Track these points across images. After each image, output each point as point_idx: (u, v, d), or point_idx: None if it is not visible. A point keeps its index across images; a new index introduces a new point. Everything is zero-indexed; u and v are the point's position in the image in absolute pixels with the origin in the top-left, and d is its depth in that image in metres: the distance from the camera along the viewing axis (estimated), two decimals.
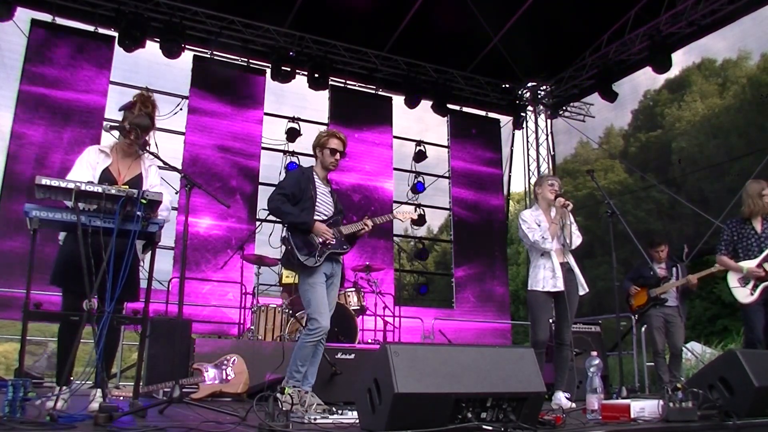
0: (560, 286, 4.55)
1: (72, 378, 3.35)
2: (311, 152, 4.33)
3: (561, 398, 4.42)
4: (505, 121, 11.77)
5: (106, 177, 3.58)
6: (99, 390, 3.31)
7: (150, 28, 8.72)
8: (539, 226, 4.69)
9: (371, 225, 4.15)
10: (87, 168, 3.59)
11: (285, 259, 4.13)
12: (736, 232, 5.25)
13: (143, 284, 3.62)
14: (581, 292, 4.69)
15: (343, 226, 4.14)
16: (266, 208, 4.20)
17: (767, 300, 5.02)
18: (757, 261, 5.05)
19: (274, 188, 4.20)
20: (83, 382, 3.22)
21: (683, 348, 7.79)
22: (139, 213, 3.22)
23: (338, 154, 4.17)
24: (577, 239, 4.70)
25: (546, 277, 4.60)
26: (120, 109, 3.74)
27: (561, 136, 11.81)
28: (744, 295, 5.06)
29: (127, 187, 3.40)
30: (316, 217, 4.04)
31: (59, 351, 3.60)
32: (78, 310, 3.43)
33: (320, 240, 3.98)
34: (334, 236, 4.03)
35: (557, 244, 4.66)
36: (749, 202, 5.19)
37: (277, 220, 4.30)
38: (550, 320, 4.96)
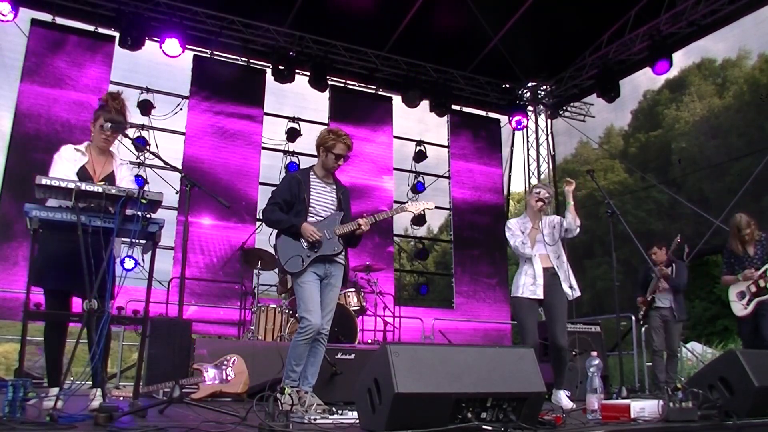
0: (539, 294, 4.55)
1: (71, 378, 3.35)
2: (311, 152, 4.31)
3: (561, 397, 4.41)
4: (506, 121, 11.77)
5: (83, 174, 3.62)
6: (99, 390, 3.31)
7: (150, 28, 8.73)
8: (523, 233, 4.71)
9: (365, 223, 4.05)
10: (69, 163, 3.62)
11: (277, 263, 4.17)
12: (733, 256, 5.74)
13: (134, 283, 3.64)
14: (570, 295, 4.59)
15: (338, 226, 4.07)
16: (261, 216, 4.20)
17: (758, 311, 5.44)
18: (757, 273, 5.44)
19: (270, 195, 4.17)
20: (82, 382, 3.22)
21: (683, 348, 7.81)
22: (138, 212, 3.24)
23: (342, 159, 4.15)
24: (572, 224, 4.61)
25: (526, 284, 4.60)
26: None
27: (561, 137, 11.81)
28: (739, 308, 5.53)
29: (104, 183, 3.48)
30: (310, 219, 4.02)
31: (47, 352, 3.59)
32: (62, 309, 3.46)
33: (306, 244, 3.96)
34: (324, 237, 3.98)
35: (542, 250, 4.65)
36: (732, 240, 5.69)
37: None
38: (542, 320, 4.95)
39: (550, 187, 4.96)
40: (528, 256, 4.64)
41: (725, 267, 5.80)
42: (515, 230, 4.73)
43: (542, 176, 11.70)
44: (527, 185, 12.00)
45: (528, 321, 4.61)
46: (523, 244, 4.63)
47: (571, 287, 4.62)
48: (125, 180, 3.79)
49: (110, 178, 3.73)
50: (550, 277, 4.61)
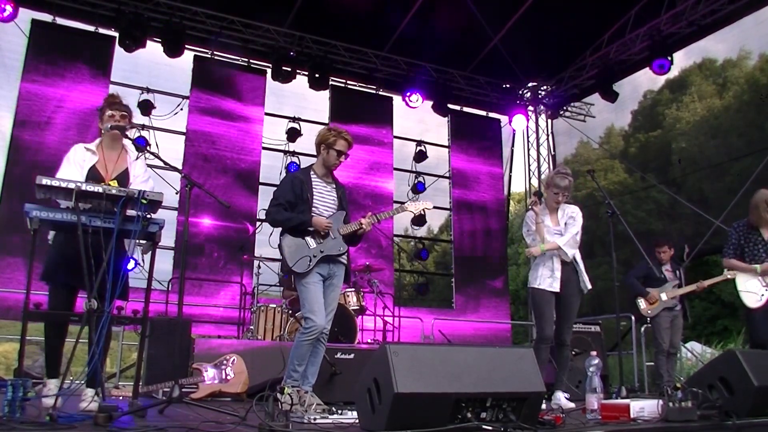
0: (556, 287, 4.51)
1: (71, 378, 3.35)
2: (312, 152, 4.28)
3: (561, 398, 4.41)
4: (506, 121, 11.77)
5: (94, 175, 3.60)
6: (90, 390, 3.31)
7: (150, 28, 8.73)
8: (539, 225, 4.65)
9: (367, 223, 4.05)
10: (75, 166, 3.61)
11: (282, 264, 4.14)
12: (743, 237, 5.20)
13: (134, 283, 3.64)
14: (585, 289, 4.61)
15: (342, 226, 4.07)
16: (265, 218, 4.16)
17: None
18: None
19: (271, 197, 4.13)
20: (82, 382, 3.22)
21: (683, 348, 7.78)
22: (139, 213, 3.24)
23: (343, 156, 4.14)
24: (569, 249, 4.56)
25: (544, 275, 4.55)
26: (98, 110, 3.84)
27: (561, 137, 11.81)
28: (754, 300, 5.02)
29: (116, 183, 3.49)
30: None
31: (47, 344, 3.59)
32: (68, 305, 3.47)
33: (313, 242, 3.96)
34: (329, 236, 3.99)
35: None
36: (755, 213, 5.13)
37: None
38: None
39: (568, 175, 4.72)
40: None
41: (731, 248, 5.20)
42: (530, 225, 4.70)
43: (543, 176, 11.69)
44: (527, 185, 12.00)
45: (546, 311, 4.56)
46: (534, 242, 4.62)
47: (582, 282, 4.62)
48: (139, 178, 3.74)
49: (124, 176, 3.70)
50: (570, 272, 4.58)
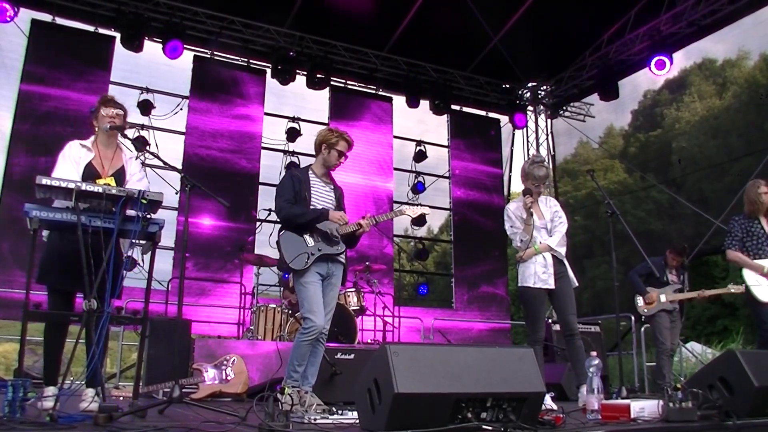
0: (551, 283, 4.43)
1: (71, 378, 3.35)
2: (312, 152, 4.27)
3: (585, 392, 4.29)
4: (506, 120, 11.77)
5: (90, 171, 3.60)
6: (91, 390, 3.31)
7: (150, 28, 8.73)
8: (523, 220, 4.54)
9: (366, 224, 4.05)
10: (71, 163, 3.61)
11: (279, 262, 4.14)
12: (744, 229, 5.08)
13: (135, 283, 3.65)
14: (574, 283, 4.55)
15: (341, 226, 4.07)
16: (274, 213, 4.12)
17: None
18: None
19: (276, 194, 4.12)
20: (82, 382, 3.22)
21: (683, 348, 7.80)
22: (139, 213, 3.24)
23: (344, 157, 4.15)
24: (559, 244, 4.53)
25: (537, 273, 4.45)
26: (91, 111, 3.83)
27: (561, 137, 11.81)
28: (766, 293, 4.85)
29: (113, 180, 3.51)
30: None
31: (46, 350, 3.59)
32: (65, 310, 3.47)
33: (312, 243, 3.95)
34: (331, 234, 4.00)
35: (545, 236, 4.51)
36: (748, 200, 5.08)
37: (277, 220, 4.23)
38: (550, 320, 4.91)
39: (543, 163, 4.64)
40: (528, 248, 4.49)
41: (734, 241, 5.05)
42: (514, 220, 4.58)
43: None
44: None
45: (539, 312, 4.51)
46: (522, 242, 4.49)
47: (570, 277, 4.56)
48: (135, 177, 3.75)
49: (120, 173, 3.71)
50: (558, 264, 4.51)
